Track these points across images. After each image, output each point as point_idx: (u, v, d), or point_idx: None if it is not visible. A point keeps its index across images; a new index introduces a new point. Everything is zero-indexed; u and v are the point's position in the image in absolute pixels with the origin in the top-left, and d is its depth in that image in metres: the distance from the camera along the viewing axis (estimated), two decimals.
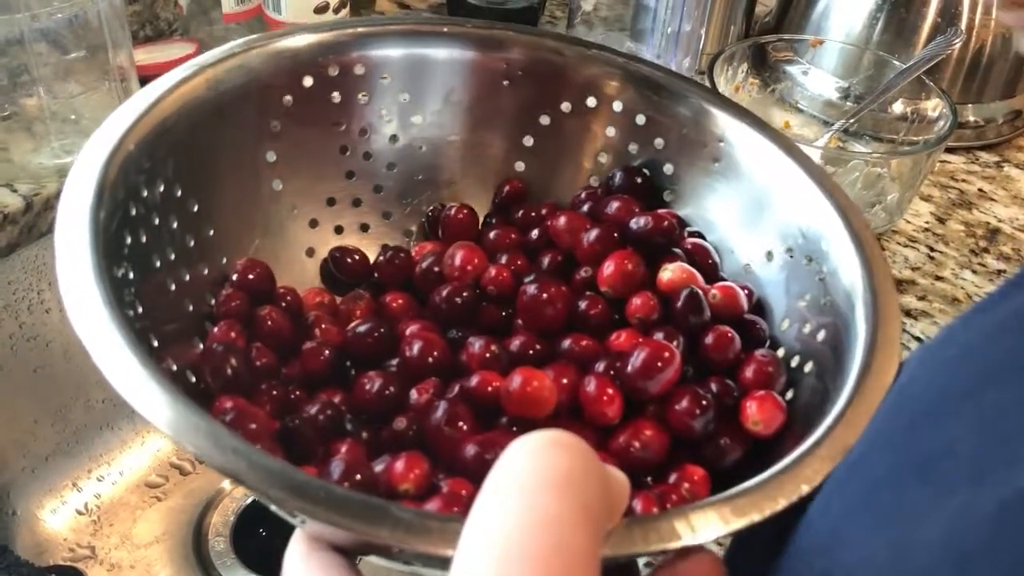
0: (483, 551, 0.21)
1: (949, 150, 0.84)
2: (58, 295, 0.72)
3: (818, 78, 0.84)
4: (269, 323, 0.41)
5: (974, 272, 0.71)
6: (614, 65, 0.47)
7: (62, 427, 0.73)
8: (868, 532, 0.24)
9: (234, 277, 0.42)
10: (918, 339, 0.65)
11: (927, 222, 0.76)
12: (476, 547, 0.21)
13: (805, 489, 0.28)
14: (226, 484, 0.77)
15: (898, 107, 0.79)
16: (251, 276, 0.42)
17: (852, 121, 0.77)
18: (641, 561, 0.31)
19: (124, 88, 0.67)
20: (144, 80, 0.73)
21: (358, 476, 0.33)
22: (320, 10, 0.76)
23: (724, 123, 0.45)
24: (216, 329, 0.40)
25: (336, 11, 0.77)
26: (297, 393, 0.39)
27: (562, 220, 0.45)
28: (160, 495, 0.76)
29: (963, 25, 0.81)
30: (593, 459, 0.22)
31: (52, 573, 0.67)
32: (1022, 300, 0.27)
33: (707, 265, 0.43)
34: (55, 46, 0.63)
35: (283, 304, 0.43)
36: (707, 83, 0.70)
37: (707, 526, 0.27)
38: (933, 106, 0.75)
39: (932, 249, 0.73)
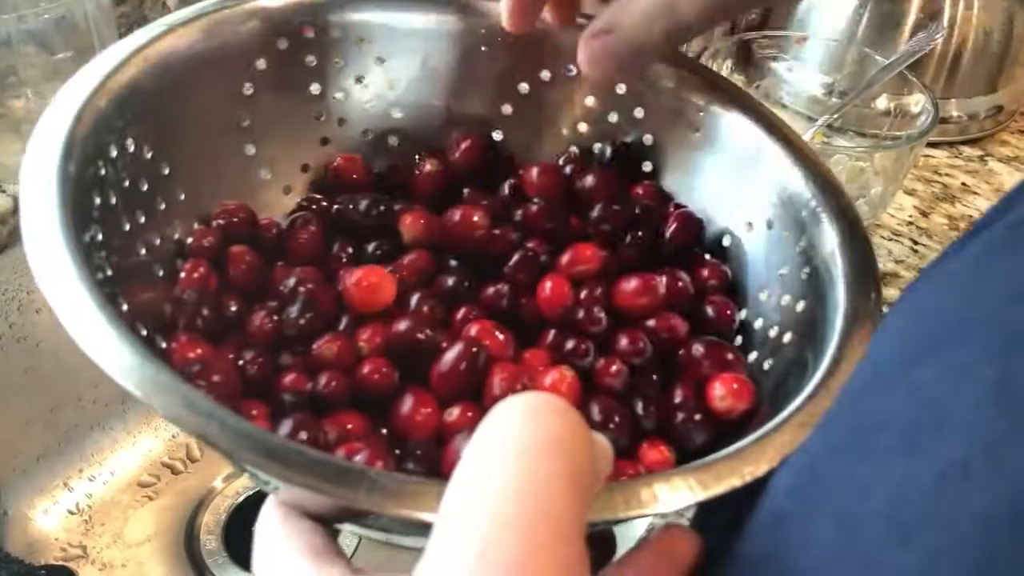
0: (469, 515, 0.20)
1: (933, 145, 0.85)
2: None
3: (802, 74, 0.84)
4: (242, 265, 0.40)
5: None
6: None
7: (53, 427, 0.74)
8: (813, 507, 0.24)
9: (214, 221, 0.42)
10: None
11: (910, 216, 0.77)
12: (462, 510, 0.20)
13: (781, 455, 0.28)
14: (218, 483, 0.77)
15: (881, 103, 0.80)
16: (234, 219, 0.42)
17: (836, 116, 0.77)
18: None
19: None
20: None
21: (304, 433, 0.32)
22: None
23: (704, 92, 0.44)
24: (184, 271, 0.39)
25: None
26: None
27: (534, 171, 0.45)
28: (152, 494, 0.77)
29: (945, 21, 0.82)
30: (581, 424, 0.22)
31: (44, 572, 0.67)
32: (957, 263, 0.26)
33: (724, 323, 0.42)
34: (42, 47, 0.63)
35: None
36: None
37: (681, 492, 0.27)
38: (916, 101, 0.75)
39: (915, 242, 0.74)
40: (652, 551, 0.28)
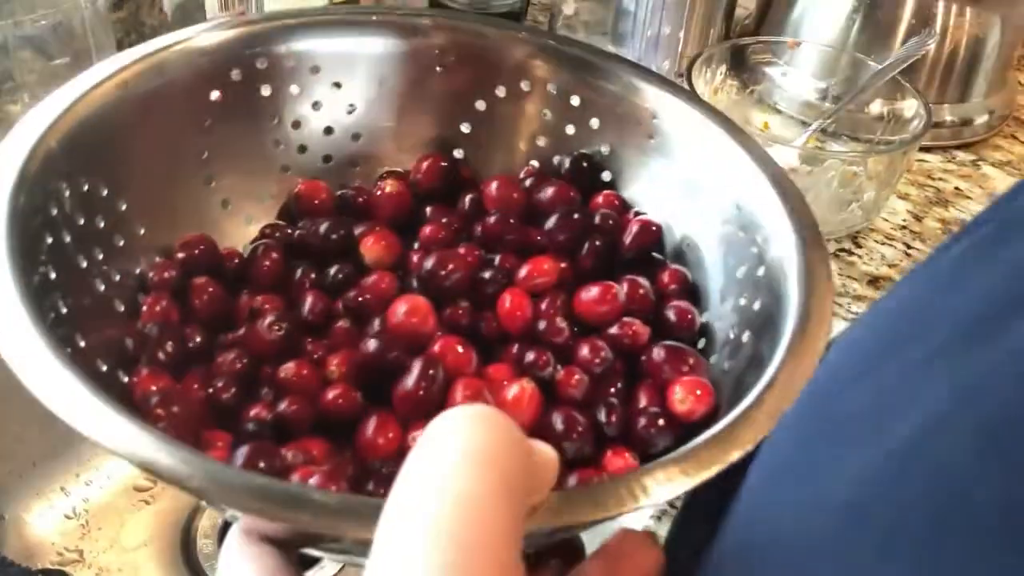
0: (403, 531, 0.21)
1: (926, 149, 0.85)
2: None
3: (796, 79, 0.85)
4: (204, 296, 0.41)
5: None
6: (544, 47, 0.47)
7: (49, 432, 0.74)
8: (782, 501, 0.24)
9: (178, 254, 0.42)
10: None
11: (904, 220, 0.77)
12: (396, 527, 0.21)
13: (735, 455, 0.28)
14: None
15: (875, 107, 0.80)
16: (196, 251, 0.42)
17: (830, 121, 0.78)
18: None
19: None
20: None
21: (262, 463, 0.33)
22: None
23: (656, 99, 0.45)
24: (145, 305, 0.39)
25: None
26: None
27: (493, 185, 0.45)
28: (148, 499, 0.77)
29: (937, 27, 0.82)
30: (514, 432, 0.22)
31: None
32: (938, 263, 0.27)
33: (686, 327, 0.42)
34: (40, 52, 0.63)
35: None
36: (686, 85, 0.71)
37: (662, 486, 0.27)
38: (909, 106, 0.76)
39: (908, 246, 0.74)
40: (610, 555, 0.28)
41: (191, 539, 0.74)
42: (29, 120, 0.37)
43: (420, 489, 0.21)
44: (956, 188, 0.82)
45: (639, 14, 0.84)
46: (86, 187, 0.38)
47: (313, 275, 0.43)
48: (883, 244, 0.74)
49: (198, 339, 0.39)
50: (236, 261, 0.43)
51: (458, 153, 0.49)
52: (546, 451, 0.24)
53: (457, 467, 0.21)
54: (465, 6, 0.89)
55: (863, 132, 0.81)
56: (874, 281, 0.70)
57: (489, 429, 0.22)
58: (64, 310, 0.34)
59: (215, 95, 0.44)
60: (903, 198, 0.80)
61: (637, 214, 0.45)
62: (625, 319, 0.41)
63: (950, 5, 0.82)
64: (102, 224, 0.39)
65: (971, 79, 0.86)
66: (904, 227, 0.77)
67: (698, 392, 0.37)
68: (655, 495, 0.27)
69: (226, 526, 0.76)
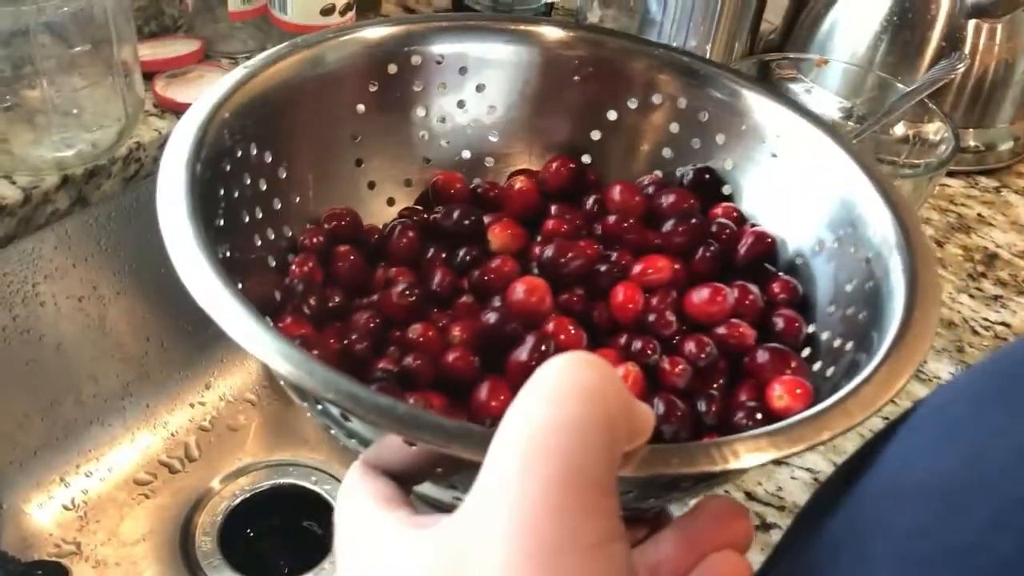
0: (510, 446, 0.23)
1: (949, 174, 0.84)
2: (53, 288, 0.71)
3: (821, 97, 0.84)
4: (346, 263, 0.45)
5: (971, 296, 0.72)
6: (679, 65, 0.49)
7: (52, 421, 0.73)
8: (941, 451, 0.24)
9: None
10: None
11: None
12: (505, 443, 0.23)
13: (825, 436, 0.30)
14: (215, 484, 0.77)
15: (900, 129, 0.79)
16: (342, 222, 0.46)
17: (855, 141, 0.77)
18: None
19: (127, 83, 0.67)
20: (148, 76, 0.73)
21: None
22: (326, 12, 0.76)
23: (782, 119, 0.46)
24: (294, 264, 0.44)
25: (343, 13, 0.77)
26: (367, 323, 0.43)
27: (616, 189, 0.48)
28: (148, 492, 0.76)
29: (967, 50, 0.81)
30: (618, 380, 0.24)
31: (37, 569, 0.67)
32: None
33: (792, 335, 0.43)
34: (60, 39, 0.63)
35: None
36: None
37: (751, 454, 0.29)
38: (935, 130, 0.75)
39: None
40: (696, 520, 0.29)
41: (190, 535, 0.73)
42: (211, 90, 0.41)
43: (527, 414, 0.23)
44: (979, 214, 0.81)
45: (665, 25, 0.83)
46: (254, 151, 0.42)
47: (444, 255, 0.46)
48: None
49: (337, 299, 0.43)
50: (376, 236, 0.47)
51: (586, 158, 0.51)
52: (644, 406, 0.26)
53: (565, 397, 0.23)
54: (488, 9, 0.88)
55: (887, 153, 0.80)
56: None
57: (596, 369, 0.24)
58: (228, 254, 0.39)
59: (372, 85, 0.47)
60: (925, 222, 0.79)
61: (753, 226, 0.47)
62: (733, 320, 0.42)
63: (980, 28, 0.81)
64: (264, 187, 0.43)
65: (997, 104, 0.85)
66: None
67: (798, 391, 0.38)
68: (745, 460, 0.29)
69: (226, 523, 0.75)
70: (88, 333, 0.72)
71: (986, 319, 0.69)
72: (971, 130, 0.85)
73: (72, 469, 0.74)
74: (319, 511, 0.76)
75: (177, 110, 0.72)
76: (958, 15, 0.81)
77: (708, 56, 0.86)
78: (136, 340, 0.76)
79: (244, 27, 0.80)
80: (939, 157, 0.71)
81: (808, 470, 0.55)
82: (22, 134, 0.64)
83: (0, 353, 0.68)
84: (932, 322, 0.35)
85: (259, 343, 0.30)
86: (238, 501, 0.76)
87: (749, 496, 0.53)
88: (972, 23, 0.81)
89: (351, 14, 0.79)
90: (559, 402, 0.23)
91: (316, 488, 0.77)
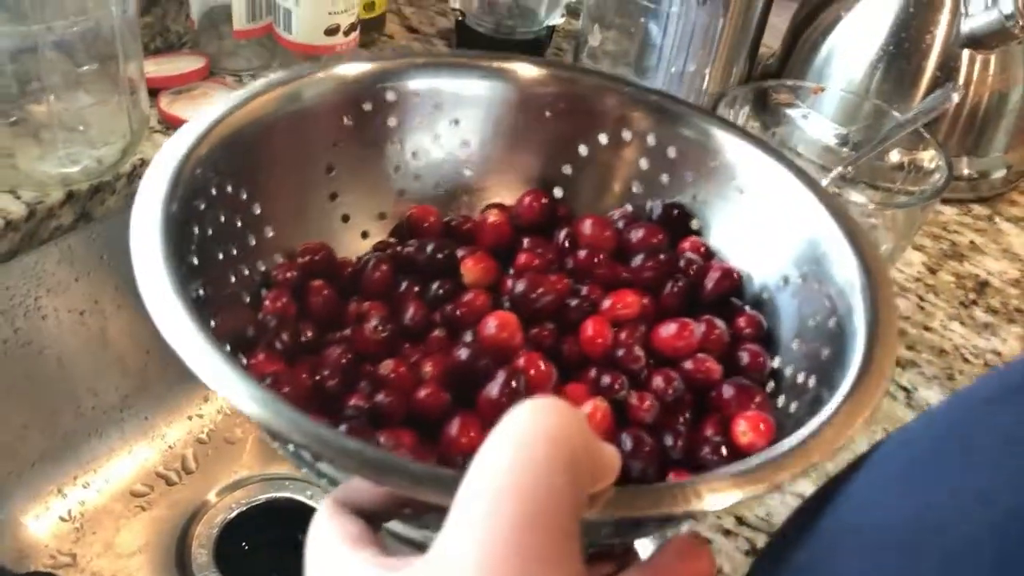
0: (475, 488, 0.24)
1: (943, 201, 0.85)
2: (55, 302, 0.72)
3: (817, 123, 0.85)
4: (319, 297, 0.45)
5: (962, 324, 0.73)
6: (649, 103, 0.50)
7: (51, 433, 0.74)
8: (898, 495, 0.25)
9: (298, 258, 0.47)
10: (904, 389, 0.66)
11: (918, 272, 0.77)
12: (470, 487, 0.24)
13: (784, 476, 0.31)
14: (211, 496, 0.77)
15: (894, 156, 0.80)
16: (316, 256, 0.47)
17: (849, 168, 0.78)
18: None
19: (133, 100, 0.68)
20: (152, 92, 0.73)
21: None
22: (331, 32, 0.77)
23: (750, 157, 0.48)
24: (267, 299, 0.44)
25: (347, 33, 0.78)
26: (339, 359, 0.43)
27: (587, 223, 0.49)
28: (144, 504, 0.76)
29: (961, 80, 0.83)
30: (584, 424, 0.25)
31: None
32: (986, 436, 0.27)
33: (756, 369, 0.44)
34: (67, 55, 0.63)
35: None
36: None
37: (714, 495, 0.30)
38: (929, 157, 0.76)
39: (922, 299, 0.74)
40: (660, 559, 0.30)
41: (186, 548, 0.74)
42: (188, 127, 0.41)
43: (495, 458, 0.24)
44: (971, 242, 0.82)
45: (664, 49, 0.84)
46: (229, 188, 0.43)
47: (417, 288, 0.47)
48: (897, 296, 0.74)
49: (310, 334, 0.44)
50: (349, 270, 0.47)
51: (558, 192, 0.52)
52: (610, 448, 0.27)
53: (531, 442, 0.24)
54: (491, 31, 0.89)
55: (881, 180, 0.81)
56: None
57: (561, 414, 0.25)
58: (202, 292, 0.39)
59: (347, 120, 0.48)
60: (918, 249, 0.80)
61: (720, 262, 0.48)
62: (699, 355, 0.43)
63: (974, 59, 0.82)
64: (239, 223, 0.44)
65: (991, 133, 0.87)
66: (919, 279, 0.77)
67: (761, 427, 0.39)
68: (708, 502, 0.29)
69: (222, 536, 0.75)
70: (88, 346, 0.73)
71: (976, 347, 0.70)
72: (965, 158, 0.86)
73: (69, 481, 0.75)
74: None
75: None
76: (953, 45, 0.82)
77: (706, 80, 0.87)
78: (136, 353, 0.77)
79: (249, 45, 0.81)
80: (933, 185, 0.72)
81: (799, 495, 0.56)
82: (28, 149, 0.65)
83: (1, 365, 0.68)
84: (890, 363, 0.36)
85: (228, 385, 0.31)
86: (234, 514, 0.76)
87: (740, 521, 0.54)
88: (966, 54, 0.82)
89: (355, 34, 0.80)
90: (525, 445, 0.24)
91: (312, 502, 0.77)
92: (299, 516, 0.77)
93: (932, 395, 0.65)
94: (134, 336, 0.76)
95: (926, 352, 0.69)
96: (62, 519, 0.74)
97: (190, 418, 0.81)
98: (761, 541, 0.53)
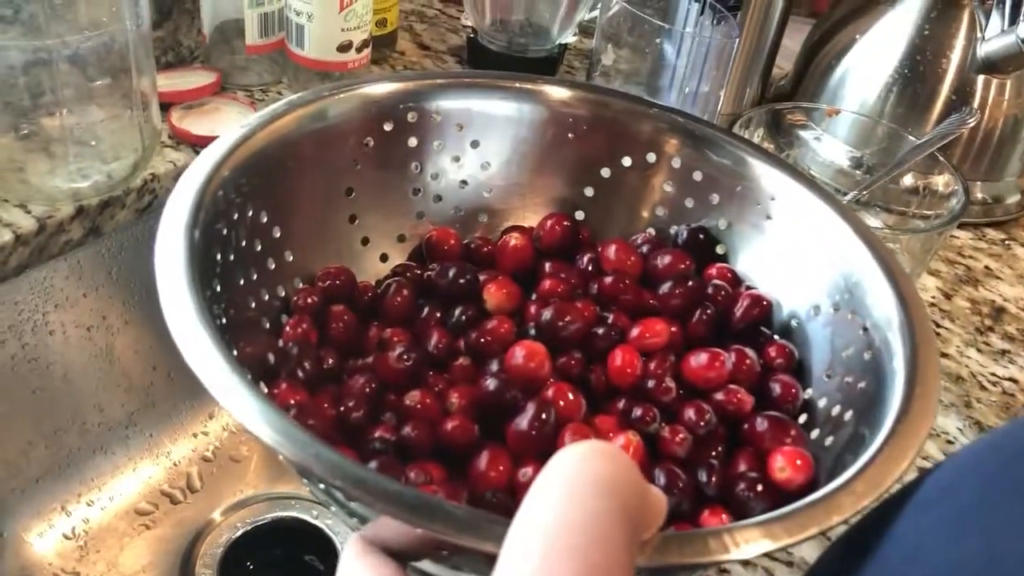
0: (529, 545, 0.22)
1: (958, 225, 0.85)
2: (62, 317, 0.71)
3: (831, 146, 0.84)
4: (341, 323, 0.45)
5: (979, 351, 0.72)
6: (675, 125, 0.49)
7: (56, 450, 0.73)
8: (956, 542, 0.24)
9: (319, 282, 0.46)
10: None
11: (933, 297, 0.77)
12: (520, 541, 0.23)
13: (835, 520, 0.30)
14: (216, 515, 0.76)
15: (908, 180, 0.80)
16: (336, 281, 0.46)
17: (864, 192, 0.77)
18: None
19: (145, 115, 0.67)
20: (164, 107, 0.73)
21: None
22: (343, 48, 0.77)
23: (778, 182, 0.47)
24: (288, 325, 0.43)
25: (359, 50, 0.78)
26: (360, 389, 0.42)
27: (612, 248, 0.48)
28: (149, 523, 0.75)
29: (976, 104, 0.82)
30: (634, 470, 0.24)
31: None
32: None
33: (789, 401, 0.43)
34: (80, 69, 0.63)
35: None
36: None
37: (750, 543, 0.29)
38: (944, 182, 0.75)
39: (938, 325, 0.74)
40: None
41: (190, 567, 0.73)
42: (213, 147, 0.41)
43: (547, 510, 0.23)
44: (986, 267, 0.81)
45: (678, 69, 0.84)
46: (251, 211, 0.42)
47: (439, 314, 0.46)
48: None
49: (331, 361, 0.43)
50: (370, 295, 0.47)
51: (579, 214, 0.51)
52: (658, 492, 0.26)
53: (584, 491, 0.23)
54: (503, 49, 0.89)
55: (896, 203, 0.80)
56: None
57: (613, 461, 0.24)
58: (224, 320, 0.38)
59: (368, 141, 0.47)
60: (933, 274, 0.79)
61: (748, 288, 0.47)
62: (731, 386, 0.42)
63: (990, 83, 0.82)
64: (259, 247, 0.43)
65: (1006, 158, 0.86)
66: (934, 305, 0.76)
67: (798, 462, 0.38)
68: (745, 550, 0.29)
69: (226, 556, 0.75)
70: (95, 362, 0.72)
71: (994, 374, 0.70)
72: (979, 183, 0.86)
73: (74, 498, 0.74)
74: (320, 545, 0.75)
75: (192, 142, 0.72)
76: (968, 70, 0.82)
77: (720, 100, 0.86)
78: (142, 370, 0.76)
79: (260, 60, 0.80)
80: (950, 210, 0.71)
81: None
82: (39, 163, 0.64)
83: (7, 381, 0.68)
84: (934, 397, 0.35)
85: (267, 428, 0.30)
86: (239, 533, 0.75)
87: None
88: (981, 78, 0.82)
89: (367, 51, 0.79)
90: (577, 496, 0.23)
91: (317, 522, 0.76)
92: (305, 536, 0.76)
93: (949, 423, 0.65)
94: (140, 352, 0.75)
95: (943, 379, 0.69)
96: (66, 537, 0.73)
97: (195, 436, 0.80)
98: (780, 571, 0.52)
